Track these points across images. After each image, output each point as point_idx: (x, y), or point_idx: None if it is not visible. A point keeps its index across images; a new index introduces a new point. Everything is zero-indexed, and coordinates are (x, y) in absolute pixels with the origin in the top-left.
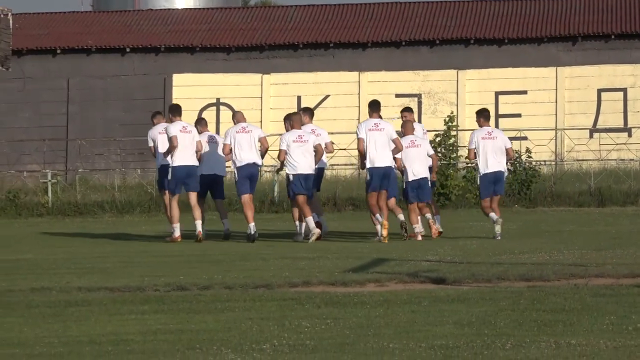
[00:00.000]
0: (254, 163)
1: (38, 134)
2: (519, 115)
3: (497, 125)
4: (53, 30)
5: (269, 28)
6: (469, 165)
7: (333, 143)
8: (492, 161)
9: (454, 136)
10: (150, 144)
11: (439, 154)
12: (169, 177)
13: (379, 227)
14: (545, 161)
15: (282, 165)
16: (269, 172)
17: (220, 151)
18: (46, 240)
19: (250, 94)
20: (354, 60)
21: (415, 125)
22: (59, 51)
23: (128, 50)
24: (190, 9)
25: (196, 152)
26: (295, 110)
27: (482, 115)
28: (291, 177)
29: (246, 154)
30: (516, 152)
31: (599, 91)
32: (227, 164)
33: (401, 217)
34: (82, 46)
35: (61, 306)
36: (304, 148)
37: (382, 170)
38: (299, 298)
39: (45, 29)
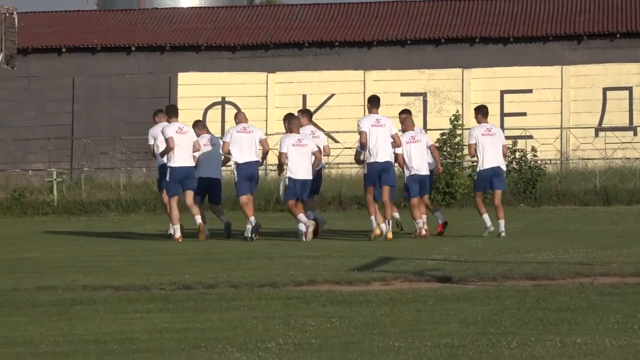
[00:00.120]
0: (254, 163)
1: (43, 133)
2: (524, 114)
3: (502, 124)
4: (58, 29)
5: (275, 27)
6: (474, 164)
7: (337, 142)
8: (491, 157)
9: (460, 135)
10: (151, 142)
11: (445, 153)
12: (167, 178)
13: (374, 223)
14: (550, 160)
15: (282, 167)
16: (274, 170)
17: (217, 153)
18: (51, 239)
19: (255, 93)
20: (359, 59)
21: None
22: (64, 50)
23: (133, 49)
24: (196, 7)
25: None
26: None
27: (481, 112)
28: (287, 181)
29: (246, 154)
30: (521, 151)
31: (605, 90)
32: (224, 166)
33: (396, 214)
34: (88, 45)
35: (66, 305)
36: (302, 152)
37: (380, 165)
38: (305, 297)
39: (51, 28)
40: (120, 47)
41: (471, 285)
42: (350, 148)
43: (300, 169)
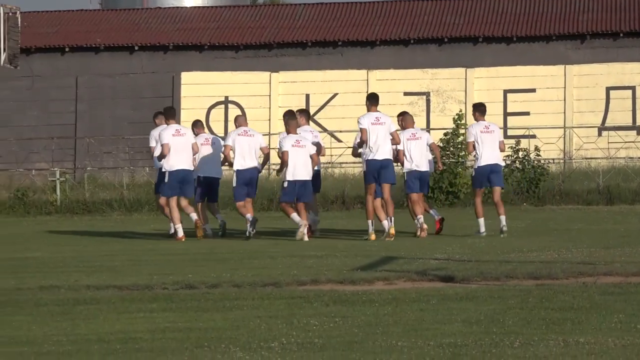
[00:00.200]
0: (254, 168)
1: (46, 132)
2: (527, 114)
3: (505, 124)
4: (61, 29)
5: (278, 26)
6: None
7: (340, 141)
8: (489, 154)
9: (463, 134)
10: (152, 144)
11: (448, 152)
12: (166, 180)
13: (370, 228)
14: (553, 159)
15: (283, 166)
16: (275, 169)
17: (217, 152)
18: (54, 239)
19: (258, 92)
20: (363, 58)
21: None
22: (67, 49)
23: (136, 48)
24: (199, 7)
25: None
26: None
27: (479, 110)
28: (285, 184)
29: (247, 159)
30: (525, 151)
31: (608, 89)
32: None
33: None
34: (91, 44)
35: (70, 304)
36: (301, 153)
37: (379, 162)
38: (308, 296)
39: (54, 27)
40: (123, 47)
41: (474, 284)
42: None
43: (299, 169)
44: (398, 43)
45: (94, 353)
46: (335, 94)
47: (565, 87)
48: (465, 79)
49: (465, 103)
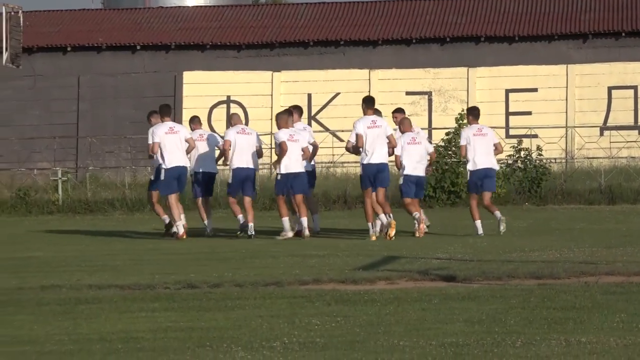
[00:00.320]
0: (251, 167)
1: (48, 132)
2: (529, 113)
3: (507, 123)
4: (64, 28)
5: (280, 25)
6: None
7: (342, 140)
8: (483, 158)
9: None
10: (150, 141)
11: (450, 152)
12: (162, 177)
13: (371, 230)
14: (555, 159)
15: (282, 156)
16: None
17: (212, 149)
18: (56, 238)
19: (260, 92)
20: (365, 57)
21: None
22: (69, 49)
23: (138, 47)
24: (201, 6)
25: (187, 150)
26: (306, 106)
27: (472, 114)
28: (279, 177)
29: (244, 157)
30: (526, 150)
31: (610, 89)
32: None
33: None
34: (93, 44)
35: (71, 304)
36: (295, 147)
37: (375, 166)
38: (309, 296)
39: (56, 27)
40: (125, 46)
41: (476, 284)
42: None
43: (292, 162)
44: (400, 42)
45: (95, 352)
46: (337, 94)
47: (567, 87)
48: (467, 78)
49: (467, 103)
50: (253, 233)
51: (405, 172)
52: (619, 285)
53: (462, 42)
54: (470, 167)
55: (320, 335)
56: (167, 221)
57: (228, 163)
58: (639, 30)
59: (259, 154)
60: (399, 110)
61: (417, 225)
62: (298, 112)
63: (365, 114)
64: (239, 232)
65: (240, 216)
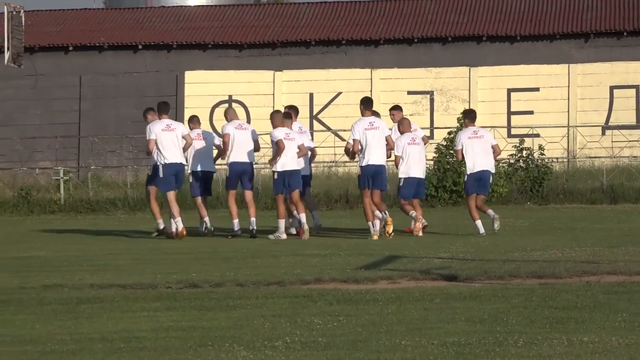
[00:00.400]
0: (248, 161)
1: (50, 131)
2: (531, 113)
3: (509, 123)
4: (65, 28)
5: (281, 25)
6: None
7: (344, 140)
8: (480, 161)
9: None
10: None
11: (452, 152)
12: (160, 174)
13: (372, 229)
14: (557, 158)
15: (278, 154)
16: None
17: (210, 147)
18: (58, 238)
19: (262, 91)
20: (366, 57)
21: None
22: (71, 48)
23: (140, 47)
24: (203, 6)
25: (185, 147)
26: (307, 106)
27: (468, 117)
28: (276, 176)
29: (242, 152)
30: (528, 150)
31: (611, 88)
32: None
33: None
34: (95, 43)
35: (73, 303)
36: (291, 145)
37: (373, 168)
38: (311, 295)
39: (58, 26)
40: (127, 46)
41: (478, 283)
42: None
43: (288, 161)
44: (402, 42)
45: (97, 352)
46: (339, 93)
47: (569, 86)
48: (469, 77)
49: (469, 102)
50: (254, 228)
51: (405, 174)
52: (620, 284)
53: (463, 41)
54: (468, 169)
55: (322, 335)
56: (160, 227)
57: (227, 157)
58: None
59: (256, 148)
60: (396, 108)
61: (413, 223)
62: (294, 112)
63: (363, 115)
64: (229, 236)
65: (235, 221)
